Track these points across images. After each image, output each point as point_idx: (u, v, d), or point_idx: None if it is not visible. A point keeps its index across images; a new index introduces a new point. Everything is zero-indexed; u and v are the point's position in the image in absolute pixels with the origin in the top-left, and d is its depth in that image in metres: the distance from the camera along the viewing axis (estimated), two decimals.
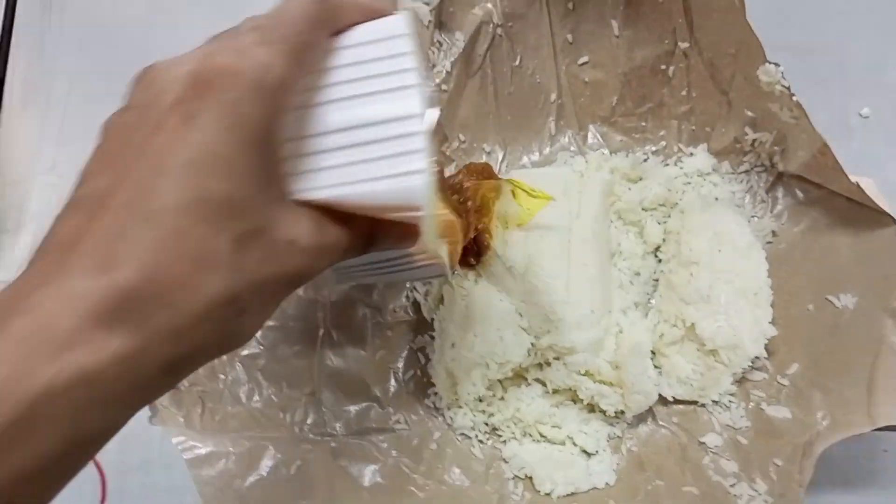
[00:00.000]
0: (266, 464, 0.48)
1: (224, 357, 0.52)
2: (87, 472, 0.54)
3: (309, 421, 0.52)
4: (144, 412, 0.47)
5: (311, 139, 0.24)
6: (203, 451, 0.46)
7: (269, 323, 0.54)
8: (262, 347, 0.53)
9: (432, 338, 0.54)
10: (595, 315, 0.50)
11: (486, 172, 0.56)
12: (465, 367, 0.51)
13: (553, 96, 0.58)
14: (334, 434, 0.52)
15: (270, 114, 0.20)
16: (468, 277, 0.53)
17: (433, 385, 0.54)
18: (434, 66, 0.55)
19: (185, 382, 0.50)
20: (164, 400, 0.48)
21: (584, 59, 0.57)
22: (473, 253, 0.53)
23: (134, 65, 0.24)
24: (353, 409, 0.54)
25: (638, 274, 0.55)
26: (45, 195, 0.61)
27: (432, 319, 0.53)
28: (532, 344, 0.51)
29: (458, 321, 0.51)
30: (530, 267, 0.50)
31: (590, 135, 0.59)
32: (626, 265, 0.54)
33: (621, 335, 0.51)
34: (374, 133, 0.25)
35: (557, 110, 0.59)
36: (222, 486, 0.45)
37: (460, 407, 0.53)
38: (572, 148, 0.59)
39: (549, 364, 0.51)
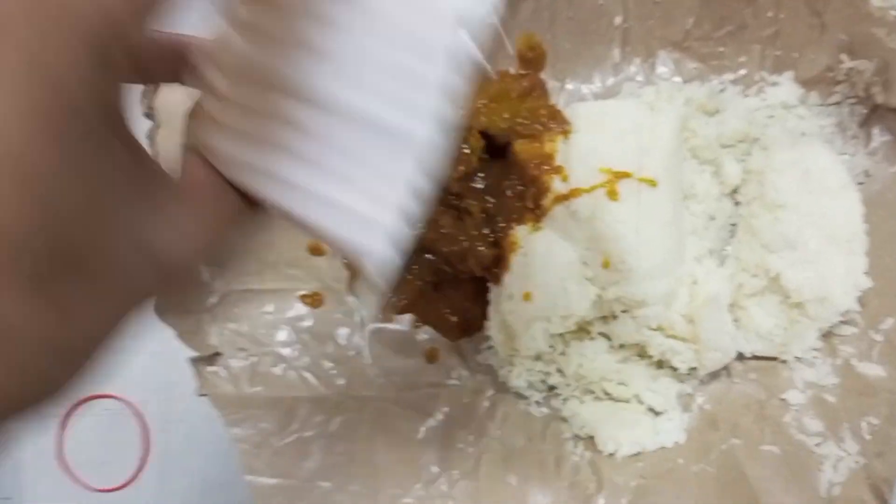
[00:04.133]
0: (306, 422, 0.46)
1: (270, 317, 0.49)
2: (130, 425, 0.53)
3: (357, 379, 0.49)
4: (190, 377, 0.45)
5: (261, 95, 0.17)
6: (242, 411, 0.44)
7: (318, 285, 0.51)
8: (308, 308, 0.50)
9: (487, 289, 0.50)
10: (667, 264, 0.46)
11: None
12: (525, 320, 0.47)
13: (618, 20, 0.52)
14: (383, 391, 0.49)
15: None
16: (526, 224, 0.48)
17: (487, 339, 0.50)
18: None
19: (234, 350, 0.47)
20: (211, 367, 0.46)
21: None
22: (532, 196, 0.48)
23: None
24: (401, 364, 0.51)
25: (713, 218, 0.50)
26: None
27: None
28: (598, 295, 0.46)
29: (517, 271, 0.47)
30: (596, 211, 0.46)
31: (659, 62, 0.53)
32: (701, 208, 0.49)
33: (695, 286, 0.47)
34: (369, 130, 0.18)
35: (623, 35, 0.53)
36: (259, 443, 0.43)
37: (514, 366, 0.49)
38: (639, 77, 0.53)
39: (615, 317, 0.47)
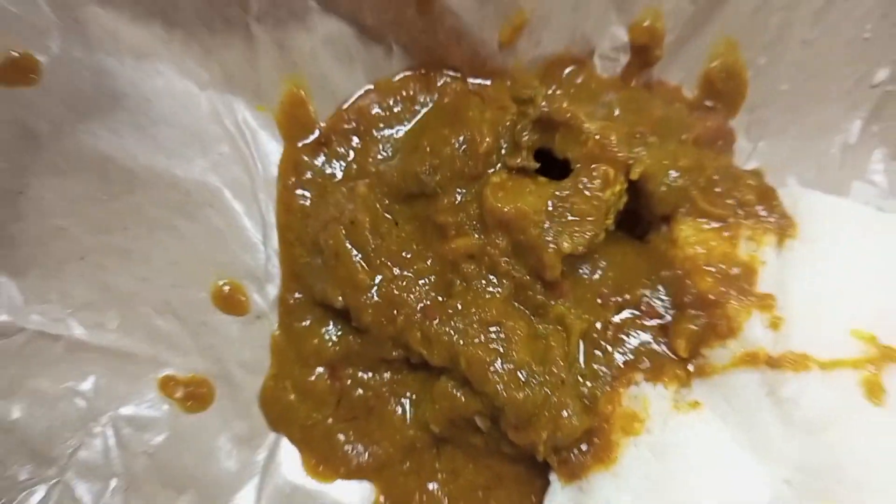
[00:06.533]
0: None
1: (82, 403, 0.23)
2: None
3: None
4: None
5: None
6: None
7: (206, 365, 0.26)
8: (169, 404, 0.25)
9: (542, 487, 0.26)
10: None
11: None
12: None
13: (882, 74, 0.31)
14: None
15: None
16: (667, 386, 0.25)
17: None
18: None
19: None
20: None
21: None
22: (690, 335, 0.25)
23: None
24: None
25: None
26: None
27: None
28: None
29: (627, 478, 0.23)
30: (838, 413, 0.23)
31: None
32: None
33: None
34: None
35: (878, 102, 0.31)
36: None
37: None
38: (878, 178, 0.32)
39: None
